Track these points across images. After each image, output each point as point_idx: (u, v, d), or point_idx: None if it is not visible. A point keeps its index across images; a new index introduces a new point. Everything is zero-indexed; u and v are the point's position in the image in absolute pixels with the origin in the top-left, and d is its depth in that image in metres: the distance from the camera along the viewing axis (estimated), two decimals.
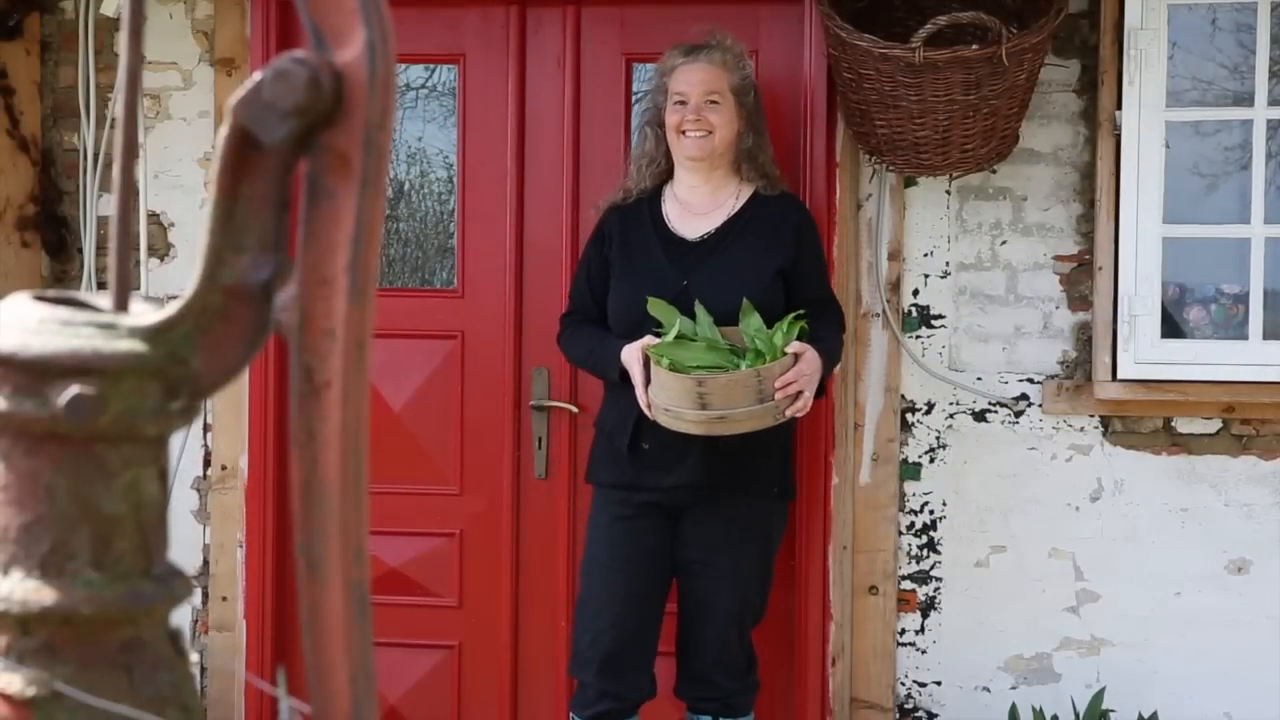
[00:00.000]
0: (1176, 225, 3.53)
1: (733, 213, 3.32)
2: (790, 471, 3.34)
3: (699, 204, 3.35)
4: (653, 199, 3.39)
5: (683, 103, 3.28)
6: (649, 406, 3.09)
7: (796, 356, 3.06)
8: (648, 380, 3.09)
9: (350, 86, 0.91)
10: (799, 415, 3.10)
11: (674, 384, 3.01)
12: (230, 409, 3.92)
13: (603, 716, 3.27)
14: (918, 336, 3.72)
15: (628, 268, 3.31)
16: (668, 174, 3.40)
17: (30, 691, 0.91)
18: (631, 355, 3.15)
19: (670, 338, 3.07)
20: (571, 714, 3.35)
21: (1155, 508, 3.65)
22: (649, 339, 3.11)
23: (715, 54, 3.30)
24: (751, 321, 3.09)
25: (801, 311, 3.14)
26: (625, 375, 3.17)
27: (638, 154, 3.44)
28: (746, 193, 3.34)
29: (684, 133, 3.28)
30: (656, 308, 3.12)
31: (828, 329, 3.24)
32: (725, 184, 3.34)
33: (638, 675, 3.28)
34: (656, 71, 3.41)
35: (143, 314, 0.95)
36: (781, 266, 3.25)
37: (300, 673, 0.98)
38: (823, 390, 3.20)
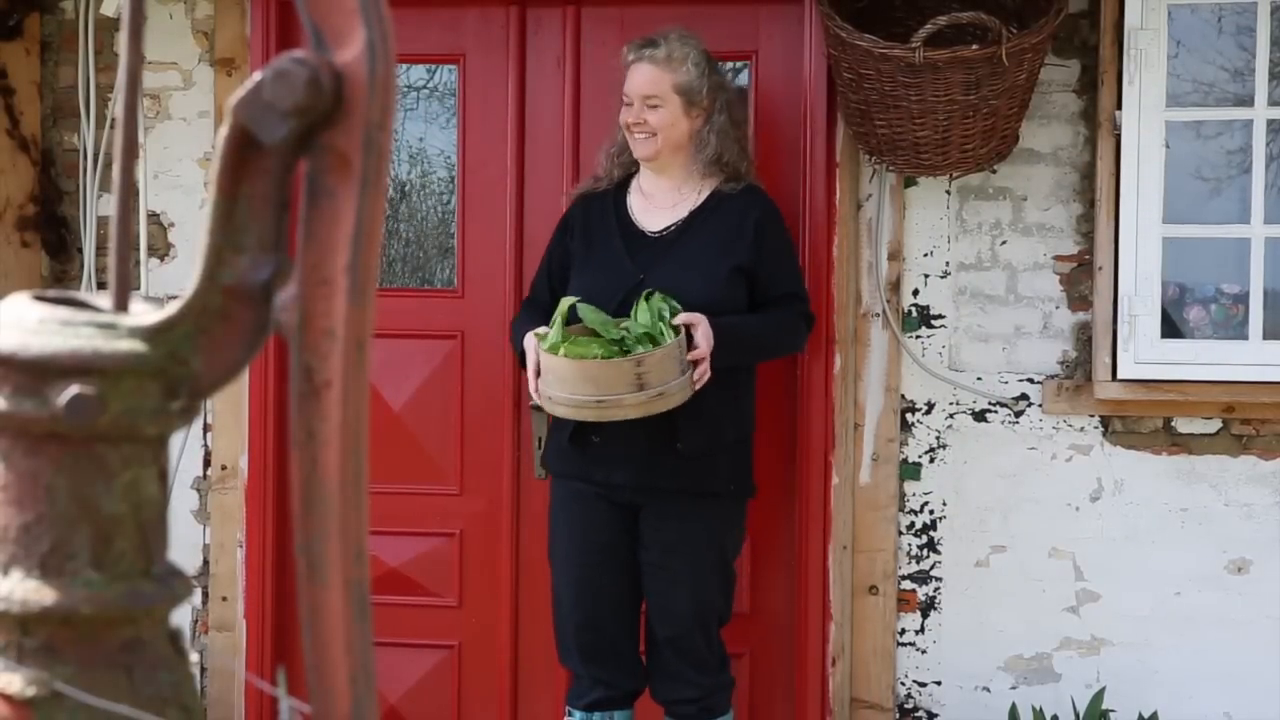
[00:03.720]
0: (1176, 225, 3.53)
1: (694, 207, 3.31)
2: (747, 470, 3.32)
3: (662, 198, 3.34)
4: (619, 190, 3.38)
5: (629, 104, 3.29)
6: (536, 393, 3.10)
7: (690, 328, 3.06)
8: (538, 371, 3.10)
9: (350, 86, 0.91)
10: (697, 385, 3.05)
11: (610, 371, 2.99)
12: (230, 409, 3.92)
13: (597, 706, 3.29)
14: (918, 336, 3.72)
15: (587, 259, 3.32)
16: (636, 165, 3.38)
17: (30, 691, 0.91)
18: (529, 344, 3.15)
19: (556, 331, 3.06)
20: (567, 708, 3.36)
21: (1155, 508, 3.65)
22: (542, 329, 3.12)
23: (659, 52, 3.25)
24: (648, 306, 3.09)
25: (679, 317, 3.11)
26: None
27: (609, 145, 3.43)
28: (709, 187, 3.33)
29: (631, 132, 3.29)
30: (584, 310, 3.11)
31: (772, 312, 3.22)
32: (688, 179, 3.33)
33: (624, 662, 3.30)
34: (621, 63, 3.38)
35: (143, 314, 0.95)
36: (740, 264, 3.23)
37: (300, 673, 0.98)
38: (729, 360, 3.12)
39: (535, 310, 3.34)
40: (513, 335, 3.39)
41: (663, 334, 3.05)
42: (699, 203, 3.32)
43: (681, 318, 3.06)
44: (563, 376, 3.03)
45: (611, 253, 3.29)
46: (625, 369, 2.99)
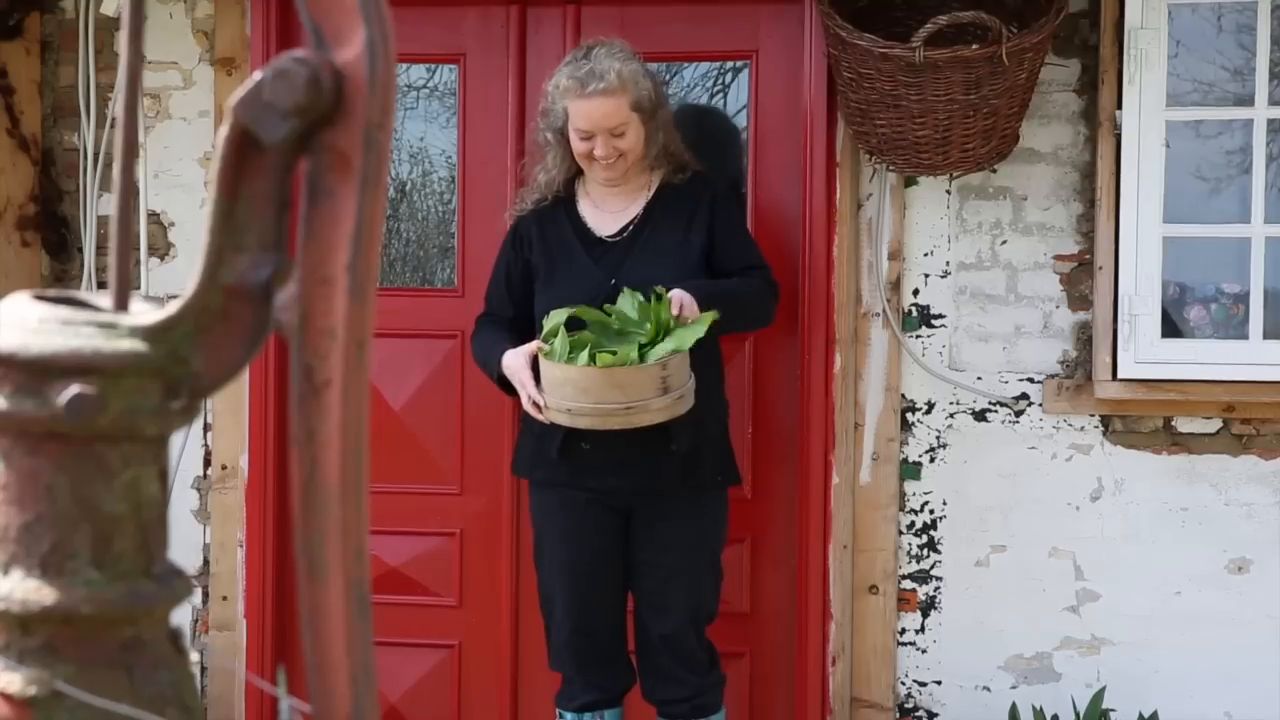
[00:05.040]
0: (1177, 225, 3.53)
1: (645, 203, 3.30)
2: (730, 458, 3.32)
3: (613, 202, 3.32)
4: (567, 200, 3.35)
5: (587, 138, 3.19)
6: (536, 407, 3.07)
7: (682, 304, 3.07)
8: (538, 383, 3.07)
9: (350, 86, 0.91)
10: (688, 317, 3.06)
11: (639, 376, 2.99)
12: (230, 409, 3.92)
13: (589, 707, 3.29)
14: (918, 336, 3.72)
15: (552, 272, 3.28)
16: (579, 172, 3.34)
17: (31, 691, 0.91)
18: (519, 362, 3.12)
19: (563, 342, 3.03)
20: (557, 710, 3.36)
21: (1155, 507, 3.65)
22: (538, 344, 3.09)
23: (612, 80, 3.14)
24: (628, 302, 3.10)
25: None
26: (504, 381, 3.17)
27: (546, 165, 3.33)
28: (655, 181, 3.32)
29: (594, 159, 3.21)
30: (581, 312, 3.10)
31: (739, 280, 3.20)
32: (637, 178, 3.31)
33: (616, 665, 3.31)
34: (552, 88, 3.24)
35: (143, 313, 0.95)
36: (701, 246, 3.24)
37: (300, 672, 0.98)
38: (716, 330, 3.11)
39: (498, 327, 3.31)
40: (478, 354, 3.33)
41: (655, 314, 3.04)
42: (649, 198, 3.31)
43: (672, 293, 3.05)
44: (585, 387, 3.01)
45: (576, 262, 3.27)
46: (652, 373, 2.99)
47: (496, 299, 3.40)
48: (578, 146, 3.21)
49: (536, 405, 3.08)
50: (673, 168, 3.32)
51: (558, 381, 3.03)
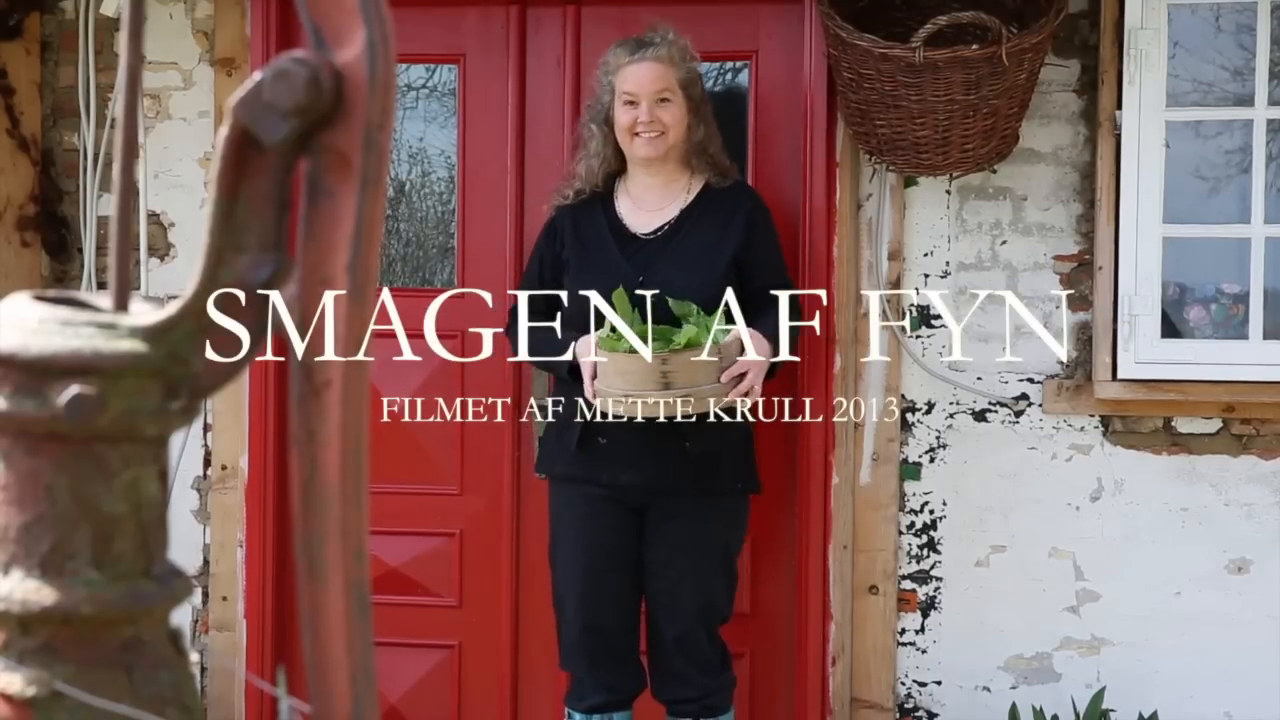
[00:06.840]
0: (1176, 225, 3.53)
1: (685, 205, 3.31)
2: (751, 466, 3.32)
3: (652, 199, 3.33)
4: (604, 195, 3.36)
5: (632, 103, 3.24)
6: (595, 395, 3.09)
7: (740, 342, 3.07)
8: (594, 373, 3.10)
9: (350, 86, 0.91)
10: (748, 400, 3.08)
11: (638, 365, 3.00)
12: (230, 409, 3.92)
13: (599, 709, 3.29)
14: (918, 336, 3.72)
15: (582, 265, 3.29)
16: (619, 170, 3.36)
17: (30, 691, 0.91)
18: (586, 348, 3.13)
19: (606, 330, 3.06)
20: (567, 709, 3.36)
21: (1155, 507, 3.65)
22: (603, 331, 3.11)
23: (662, 49, 3.23)
24: (689, 313, 3.10)
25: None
26: (574, 371, 3.17)
27: (588, 153, 3.36)
28: (698, 185, 3.33)
29: (636, 133, 3.24)
30: (618, 300, 3.10)
31: (775, 318, 3.20)
32: (677, 178, 3.33)
33: (628, 666, 3.31)
34: (601, 69, 3.32)
35: (143, 314, 0.95)
36: (735, 255, 3.24)
37: (300, 673, 0.98)
38: (773, 374, 3.19)
39: (535, 318, 3.31)
40: (517, 344, 3.34)
41: (708, 331, 3.04)
42: (689, 200, 3.31)
43: (738, 333, 3.06)
44: (603, 370, 3.06)
45: (607, 256, 3.27)
46: (652, 365, 3.00)
47: (529, 291, 3.41)
48: (622, 119, 3.24)
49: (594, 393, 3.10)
50: (714, 172, 3.32)
51: (615, 369, 3.04)
